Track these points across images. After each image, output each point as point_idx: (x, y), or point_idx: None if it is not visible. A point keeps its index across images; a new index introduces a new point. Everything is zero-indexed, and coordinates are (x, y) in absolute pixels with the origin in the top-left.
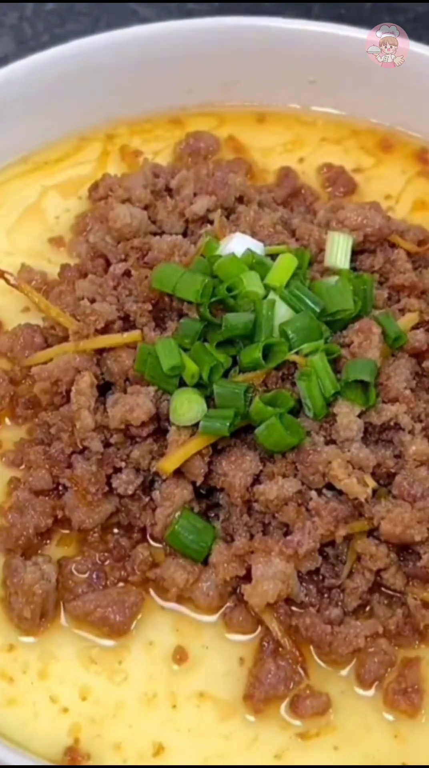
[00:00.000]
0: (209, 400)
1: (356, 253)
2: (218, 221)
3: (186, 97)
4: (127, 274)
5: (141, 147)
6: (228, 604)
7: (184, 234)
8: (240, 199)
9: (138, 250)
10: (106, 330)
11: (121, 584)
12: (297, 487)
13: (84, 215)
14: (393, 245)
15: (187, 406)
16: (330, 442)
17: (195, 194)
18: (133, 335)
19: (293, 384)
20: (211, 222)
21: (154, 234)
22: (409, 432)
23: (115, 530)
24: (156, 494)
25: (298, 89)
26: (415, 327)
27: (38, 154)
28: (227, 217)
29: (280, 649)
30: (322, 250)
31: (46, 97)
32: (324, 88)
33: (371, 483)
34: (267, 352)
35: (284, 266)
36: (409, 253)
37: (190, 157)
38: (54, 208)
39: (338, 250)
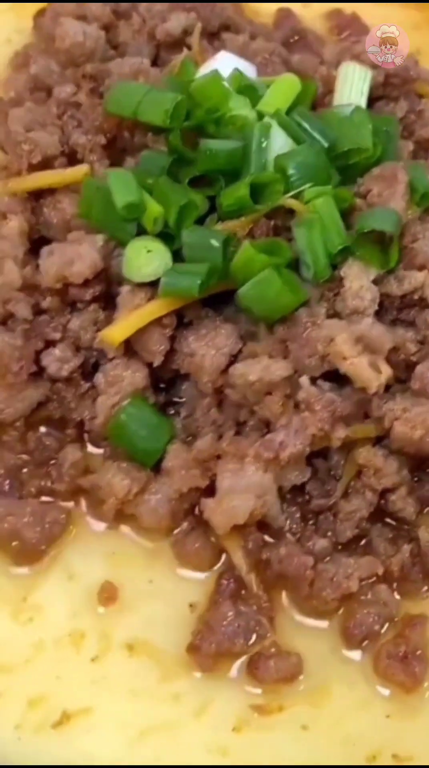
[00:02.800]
0: (177, 256)
1: (373, 100)
2: (197, 42)
3: None
4: (75, 103)
5: None
6: (183, 526)
7: (154, 63)
8: (227, 28)
9: (91, 79)
10: (45, 168)
11: (43, 498)
12: (287, 371)
13: (26, 48)
14: (421, 96)
15: (146, 257)
16: (334, 315)
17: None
18: (77, 170)
19: (289, 239)
20: (190, 48)
21: None
22: None
23: (43, 428)
24: (99, 378)
25: None
26: None
27: None
28: (211, 45)
29: (244, 591)
30: (330, 91)
31: None
32: None
33: (386, 369)
34: (257, 192)
35: (283, 89)
36: None
37: None
38: None
39: (352, 86)
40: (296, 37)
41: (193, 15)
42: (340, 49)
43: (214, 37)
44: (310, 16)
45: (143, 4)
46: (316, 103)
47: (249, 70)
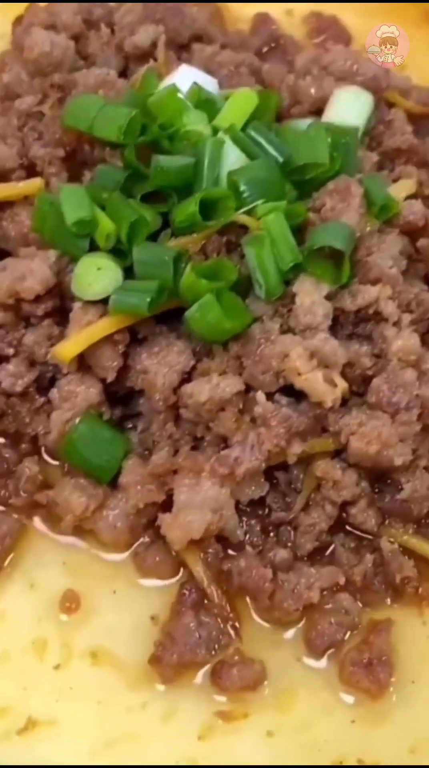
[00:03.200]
0: (131, 272)
1: None
2: (162, 54)
3: None
4: (38, 114)
5: None
6: (143, 539)
7: (124, 74)
8: (199, 39)
9: (59, 88)
10: (2, 180)
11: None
12: (237, 387)
13: (2, 55)
14: (391, 105)
15: (95, 275)
16: (288, 331)
17: (139, 25)
18: (31, 184)
19: (242, 256)
20: (157, 60)
21: None
22: (394, 324)
23: (1, 439)
24: (54, 394)
25: None
26: (412, 198)
27: None
28: (179, 57)
29: (206, 600)
30: (298, 102)
31: None
32: None
33: (341, 383)
34: (208, 208)
35: (239, 104)
36: (411, 117)
37: None
38: None
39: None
40: (273, 44)
41: (161, 27)
42: (310, 57)
43: (183, 49)
44: (290, 19)
45: (115, 15)
46: (283, 114)
47: (210, 84)
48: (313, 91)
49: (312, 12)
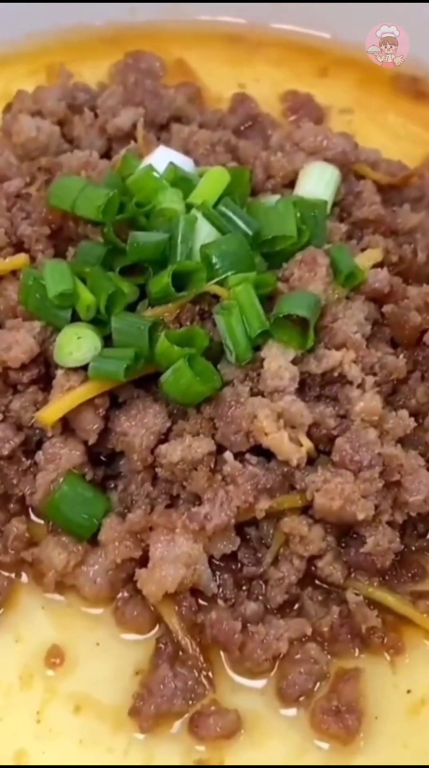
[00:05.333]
0: (110, 340)
1: None
2: (141, 135)
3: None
4: (26, 195)
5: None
6: (122, 593)
7: (107, 156)
8: (178, 120)
9: (46, 171)
10: None
11: None
12: (208, 447)
13: None
14: (361, 177)
15: (76, 343)
16: (257, 393)
17: (121, 108)
18: (17, 260)
19: (215, 323)
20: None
21: None
22: (358, 386)
23: None
24: (39, 456)
25: None
26: (378, 266)
27: None
28: (158, 137)
29: (181, 652)
30: (271, 176)
31: None
32: None
33: (306, 443)
34: (182, 280)
35: (212, 182)
36: (380, 188)
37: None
38: None
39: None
40: (250, 122)
41: (141, 110)
42: (284, 134)
43: (163, 129)
44: (266, 96)
45: (98, 99)
46: (257, 188)
47: (185, 164)
48: (284, 166)
49: (288, 91)
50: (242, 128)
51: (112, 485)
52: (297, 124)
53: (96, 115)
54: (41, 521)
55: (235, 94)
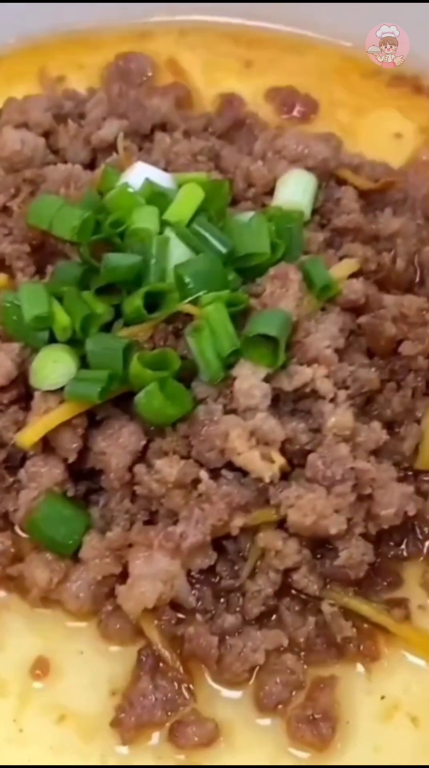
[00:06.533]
0: (86, 360)
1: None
2: (121, 148)
3: None
4: (8, 211)
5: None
6: (106, 607)
7: (91, 166)
8: (163, 127)
9: (31, 183)
10: None
11: None
12: (185, 467)
13: None
14: (342, 183)
15: (51, 367)
16: (231, 411)
17: (105, 119)
18: None
19: None
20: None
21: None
22: (330, 401)
23: None
24: (22, 474)
25: None
26: (355, 276)
27: None
28: (141, 147)
29: (162, 664)
30: (251, 185)
31: None
32: None
33: (278, 459)
34: (155, 300)
35: (186, 199)
36: (362, 193)
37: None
38: None
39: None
40: (238, 125)
41: (124, 122)
42: (267, 142)
43: (146, 138)
44: (256, 96)
45: (84, 107)
46: (238, 197)
47: (164, 179)
48: (265, 175)
49: (271, 88)
50: (230, 131)
51: (95, 499)
52: (289, 122)
53: (81, 126)
54: (26, 536)
55: (223, 95)
